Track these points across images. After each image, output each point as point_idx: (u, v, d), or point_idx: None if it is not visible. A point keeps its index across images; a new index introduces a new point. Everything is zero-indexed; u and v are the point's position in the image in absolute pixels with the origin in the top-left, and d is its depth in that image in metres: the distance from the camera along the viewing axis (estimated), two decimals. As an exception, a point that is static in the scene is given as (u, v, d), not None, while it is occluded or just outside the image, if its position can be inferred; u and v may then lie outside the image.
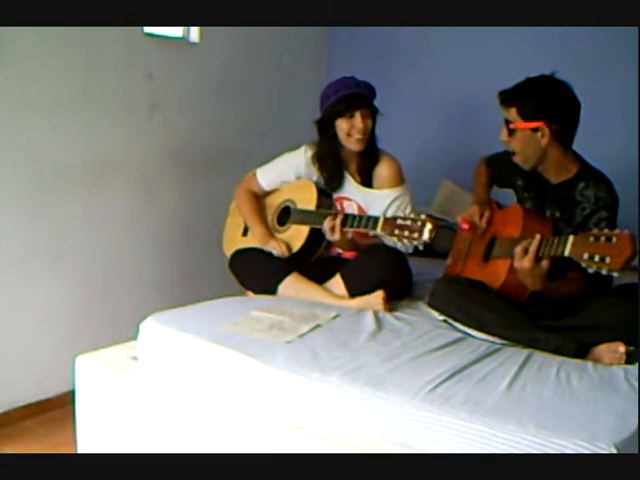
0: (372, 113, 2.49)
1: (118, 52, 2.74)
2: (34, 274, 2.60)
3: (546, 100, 2.12)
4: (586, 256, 1.79)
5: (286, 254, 2.51)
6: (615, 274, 1.77)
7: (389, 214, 2.44)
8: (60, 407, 2.59)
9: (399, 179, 2.55)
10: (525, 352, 1.97)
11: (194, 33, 3.05)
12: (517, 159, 2.20)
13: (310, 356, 1.89)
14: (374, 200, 2.55)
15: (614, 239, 1.76)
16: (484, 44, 3.17)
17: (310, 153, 2.62)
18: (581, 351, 1.99)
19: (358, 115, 2.45)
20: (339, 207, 2.61)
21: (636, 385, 1.77)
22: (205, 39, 3.05)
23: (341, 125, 2.48)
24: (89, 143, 2.70)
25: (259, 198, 2.75)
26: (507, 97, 2.15)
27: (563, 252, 1.87)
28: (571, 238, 1.86)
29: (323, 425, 1.73)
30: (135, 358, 2.12)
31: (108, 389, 2.07)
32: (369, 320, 2.20)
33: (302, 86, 3.53)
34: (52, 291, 2.67)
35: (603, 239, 1.78)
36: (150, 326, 2.10)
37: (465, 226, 2.34)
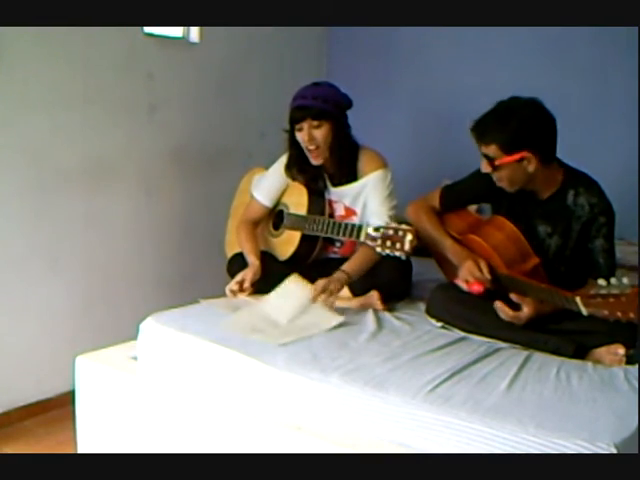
0: (331, 121, 2.44)
1: (118, 52, 2.74)
2: (34, 274, 2.60)
3: (525, 129, 2.06)
4: (606, 312, 1.83)
5: (245, 290, 2.42)
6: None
7: (370, 205, 2.47)
8: (60, 407, 2.59)
9: (375, 165, 2.51)
10: (525, 352, 1.98)
11: (194, 33, 3.05)
12: (503, 185, 2.16)
13: (310, 356, 1.89)
14: (355, 193, 2.53)
15: (623, 298, 1.80)
16: (484, 44, 3.17)
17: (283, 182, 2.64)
18: (580, 352, 1.99)
19: (305, 127, 2.43)
20: (330, 209, 2.59)
21: (636, 385, 1.77)
22: (205, 39, 3.05)
23: (298, 137, 2.48)
24: (89, 143, 2.69)
25: (258, 224, 2.69)
26: (483, 134, 2.09)
27: (580, 311, 1.88)
28: (578, 299, 1.86)
29: (323, 425, 1.73)
30: (135, 358, 2.12)
31: (108, 389, 2.07)
32: (369, 320, 2.20)
33: (302, 86, 3.53)
34: (52, 291, 2.67)
35: (612, 299, 1.80)
36: (150, 326, 2.10)
37: (477, 288, 2.11)
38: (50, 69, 2.53)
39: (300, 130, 2.46)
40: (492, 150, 2.08)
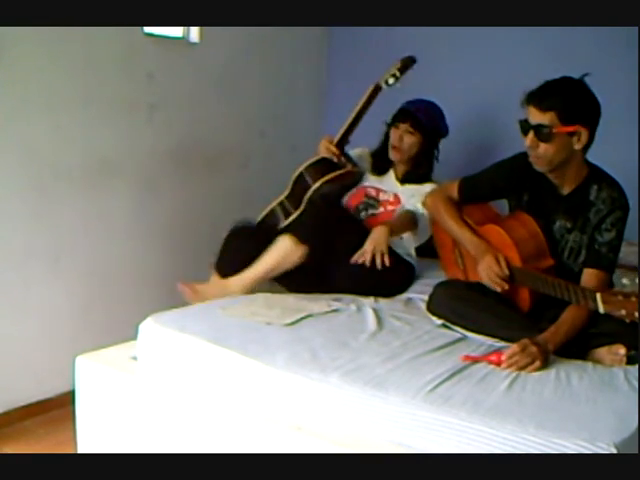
0: (423, 137, 2.77)
1: (118, 52, 2.73)
2: (34, 274, 2.60)
3: (584, 102, 2.07)
4: (623, 312, 1.79)
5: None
6: None
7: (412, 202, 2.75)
8: (60, 407, 2.59)
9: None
10: (525, 352, 1.97)
11: (194, 33, 3.04)
12: (539, 163, 2.11)
13: (310, 356, 1.89)
14: (410, 193, 2.78)
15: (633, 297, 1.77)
16: (484, 44, 3.17)
17: (367, 151, 2.97)
18: (580, 352, 1.99)
19: (401, 127, 2.77)
20: (374, 193, 2.85)
21: (636, 385, 1.77)
22: (205, 39, 3.05)
23: (391, 133, 2.82)
24: (89, 143, 2.69)
25: None
26: (543, 99, 2.04)
27: (597, 309, 1.85)
28: (598, 295, 1.83)
29: (323, 425, 1.73)
30: (135, 358, 2.12)
31: (108, 389, 2.07)
32: (369, 320, 2.20)
33: (302, 86, 3.53)
34: (52, 291, 2.67)
35: (633, 298, 1.77)
36: (149, 326, 2.10)
37: (494, 359, 1.92)
38: (50, 69, 2.53)
39: (397, 128, 2.79)
40: (548, 118, 2.03)
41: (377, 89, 2.83)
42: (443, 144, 2.93)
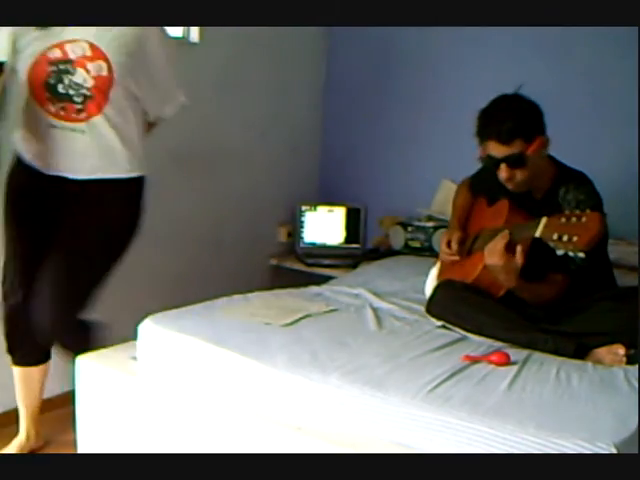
0: None
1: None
2: (34, 274, 2.60)
3: (534, 115, 2.08)
4: (555, 236, 1.77)
5: None
6: (581, 254, 1.76)
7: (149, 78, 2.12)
8: (60, 407, 2.59)
9: None
10: (525, 352, 1.98)
11: (194, 33, 3.04)
12: (520, 188, 2.12)
13: (310, 356, 1.89)
14: (107, 37, 2.03)
15: (584, 218, 1.76)
16: (484, 44, 3.17)
17: None
18: (580, 352, 1.99)
19: None
20: (60, 54, 1.99)
21: (636, 385, 1.77)
22: (205, 39, 3.05)
23: None
24: (89, 143, 2.69)
25: None
26: (504, 133, 2.03)
27: (534, 234, 1.84)
28: (544, 219, 1.84)
29: (323, 425, 1.73)
30: (135, 358, 2.12)
31: (108, 389, 2.07)
32: (369, 320, 2.20)
33: (302, 86, 3.53)
34: (52, 291, 2.66)
35: (574, 219, 1.77)
36: (148, 327, 2.10)
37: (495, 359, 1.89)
38: (50, 69, 2.53)
39: None
40: (517, 146, 2.03)
41: None
42: (443, 144, 2.91)
